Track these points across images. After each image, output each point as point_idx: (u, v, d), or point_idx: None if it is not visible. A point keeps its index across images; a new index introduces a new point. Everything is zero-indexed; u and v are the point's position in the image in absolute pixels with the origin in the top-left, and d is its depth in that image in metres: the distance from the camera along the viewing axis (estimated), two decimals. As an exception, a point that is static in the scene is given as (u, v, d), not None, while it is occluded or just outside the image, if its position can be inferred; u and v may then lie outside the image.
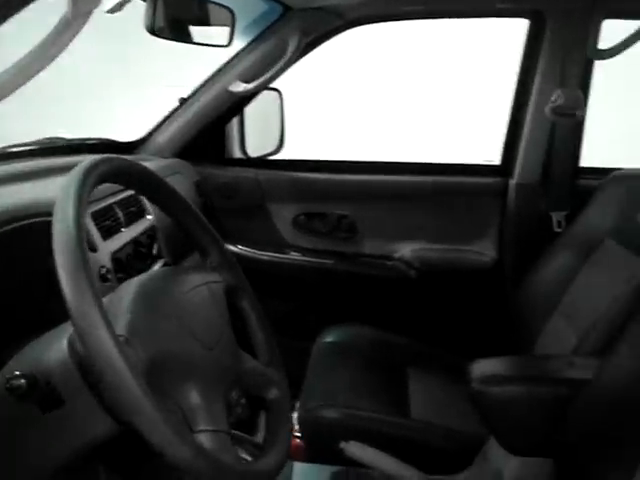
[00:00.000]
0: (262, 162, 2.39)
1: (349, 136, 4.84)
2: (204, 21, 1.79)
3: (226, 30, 1.81)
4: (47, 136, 1.95)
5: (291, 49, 1.97)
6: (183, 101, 2.22)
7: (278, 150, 2.38)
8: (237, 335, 1.11)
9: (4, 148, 1.79)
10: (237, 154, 2.40)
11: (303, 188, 2.34)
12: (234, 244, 2.31)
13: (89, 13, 0.76)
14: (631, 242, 1.78)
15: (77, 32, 0.77)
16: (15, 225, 1.15)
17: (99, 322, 0.79)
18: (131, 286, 0.98)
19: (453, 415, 1.78)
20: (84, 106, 4.50)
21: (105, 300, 0.91)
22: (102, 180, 0.98)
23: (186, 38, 1.75)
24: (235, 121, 2.35)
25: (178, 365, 0.93)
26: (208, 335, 1.00)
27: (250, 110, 2.32)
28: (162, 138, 2.24)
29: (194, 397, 0.92)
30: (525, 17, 2.13)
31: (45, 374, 0.89)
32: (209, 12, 1.79)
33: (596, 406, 1.28)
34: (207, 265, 1.19)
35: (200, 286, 1.07)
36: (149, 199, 1.22)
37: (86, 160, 0.95)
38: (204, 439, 0.88)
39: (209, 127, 2.25)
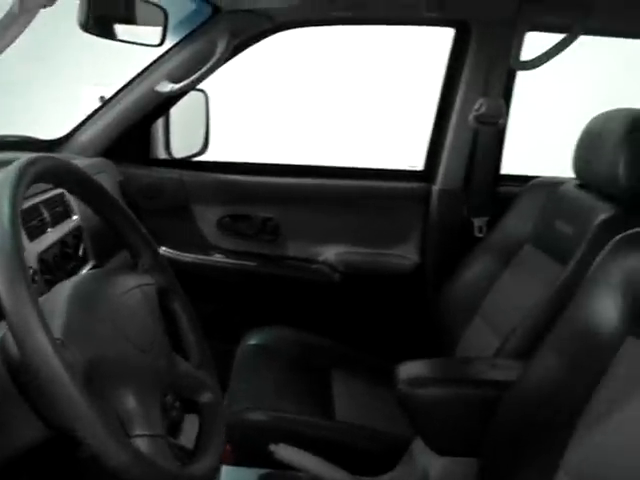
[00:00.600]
0: (187, 163, 2.37)
1: (277, 140, 4.84)
2: (137, 20, 1.76)
3: (158, 29, 1.78)
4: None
5: (220, 50, 1.95)
6: (105, 100, 2.17)
7: (203, 151, 2.36)
8: (169, 338, 1.10)
9: None
10: (162, 155, 2.36)
11: (228, 190, 2.33)
12: (158, 245, 2.27)
13: (36, 9, 0.74)
14: (550, 248, 1.84)
15: (24, 27, 0.75)
16: None
17: (36, 324, 0.77)
18: (65, 289, 0.96)
19: (378, 417, 1.80)
20: (3, 103, 4.35)
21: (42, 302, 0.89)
22: (37, 179, 0.95)
23: (118, 36, 1.71)
24: (160, 121, 2.31)
25: (114, 369, 0.91)
26: (142, 338, 0.98)
27: (176, 111, 2.29)
28: (85, 137, 2.19)
29: (130, 401, 0.90)
30: (451, 26, 2.18)
31: None
32: (142, 11, 1.76)
33: (520, 407, 1.31)
34: (139, 267, 1.17)
35: (133, 289, 1.05)
36: (83, 200, 1.19)
37: (21, 159, 0.92)
38: (141, 444, 0.87)
39: (134, 127, 2.21)
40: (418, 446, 1.57)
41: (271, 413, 1.71)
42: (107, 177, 2.07)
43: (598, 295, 1.22)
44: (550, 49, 1.94)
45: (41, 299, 0.94)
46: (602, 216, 1.65)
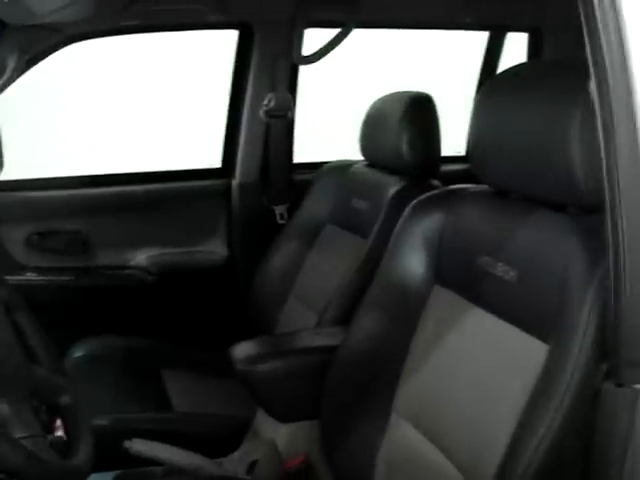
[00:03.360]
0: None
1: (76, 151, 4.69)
2: None
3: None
4: None
5: (10, 67, 1.91)
6: None
7: None
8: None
9: None
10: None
11: (32, 207, 2.27)
12: None
13: None
14: (349, 224, 2.02)
15: None
16: None
17: None
18: None
19: (214, 403, 1.89)
20: None
21: None
22: None
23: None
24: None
25: None
26: (2, 350, 1.01)
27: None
28: None
29: (3, 408, 0.93)
30: (234, 28, 2.28)
31: None
32: None
33: (347, 365, 1.45)
34: None
35: None
36: None
37: None
38: (25, 444, 0.90)
39: None
40: (260, 421, 1.68)
41: (113, 415, 1.74)
42: None
43: (403, 255, 1.40)
44: (327, 43, 2.11)
45: None
46: (392, 189, 1.84)
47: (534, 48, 2.61)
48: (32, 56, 2.01)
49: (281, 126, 2.36)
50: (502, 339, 1.15)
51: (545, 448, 0.95)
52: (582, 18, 0.82)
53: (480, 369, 1.18)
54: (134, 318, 2.29)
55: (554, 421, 0.94)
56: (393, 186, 1.85)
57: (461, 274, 1.29)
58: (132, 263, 2.37)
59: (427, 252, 1.36)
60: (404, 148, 1.82)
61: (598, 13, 0.79)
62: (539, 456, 0.95)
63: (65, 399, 1.15)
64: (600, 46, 0.80)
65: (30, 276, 2.26)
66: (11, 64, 1.90)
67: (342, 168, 2.15)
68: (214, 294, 2.41)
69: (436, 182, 1.86)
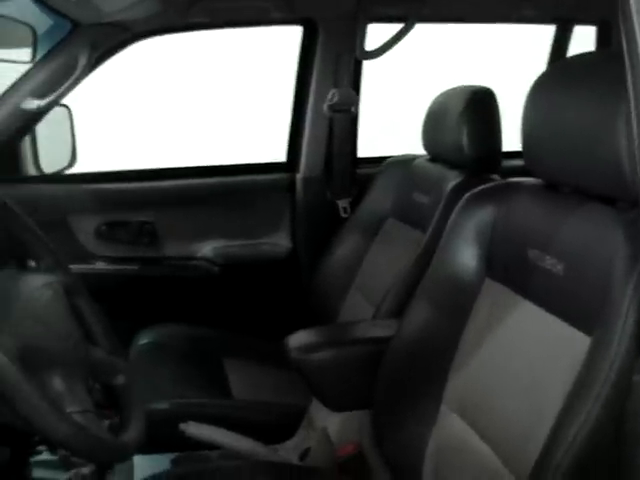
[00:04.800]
0: (60, 177, 2.37)
1: (152, 146, 4.84)
2: (6, 38, 1.77)
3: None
4: None
5: (81, 64, 1.99)
6: None
7: (72, 164, 2.37)
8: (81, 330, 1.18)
9: None
10: (33, 171, 2.36)
11: (103, 199, 2.36)
12: None
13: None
14: (409, 218, 2.03)
15: None
16: None
17: None
18: None
19: (271, 392, 1.93)
20: None
21: None
22: None
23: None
24: (27, 139, 2.31)
25: (40, 356, 0.99)
26: (60, 330, 1.07)
27: (41, 127, 2.30)
28: None
29: (58, 383, 0.99)
30: (298, 24, 2.32)
31: None
32: (10, 29, 1.77)
33: (400, 356, 1.47)
34: (41, 268, 1.25)
35: (43, 287, 1.12)
36: None
37: None
38: (76, 419, 0.95)
39: (2, 145, 2.20)
40: (315, 409, 1.71)
41: (174, 400, 1.79)
42: None
43: (456, 248, 1.40)
44: (390, 39, 2.13)
45: None
46: (451, 183, 1.84)
47: (602, 41, 2.55)
48: (102, 53, 2.10)
49: (345, 121, 2.39)
50: (548, 332, 1.14)
51: (582, 437, 0.95)
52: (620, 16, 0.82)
53: (526, 362, 1.18)
54: (199, 308, 2.35)
55: (592, 411, 0.94)
56: (452, 180, 1.86)
57: (511, 267, 1.29)
58: (198, 254, 2.44)
59: (479, 245, 1.37)
60: (464, 142, 1.82)
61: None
62: (576, 445, 0.95)
63: (120, 379, 1.20)
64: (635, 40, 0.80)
65: (100, 265, 2.35)
66: (82, 61, 1.98)
67: (405, 162, 2.17)
68: (277, 286, 2.46)
69: (495, 177, 1.85)
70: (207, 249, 2.44)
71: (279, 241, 2.49)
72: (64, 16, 1.91)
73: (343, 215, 2.42)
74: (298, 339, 1.66)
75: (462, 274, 1.38)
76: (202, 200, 2.44)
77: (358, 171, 2.48)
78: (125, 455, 1.06)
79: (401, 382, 1.46)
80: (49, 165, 2.37)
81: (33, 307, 1.05)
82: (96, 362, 1.17)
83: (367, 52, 2.14)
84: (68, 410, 0.96)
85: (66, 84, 2.02)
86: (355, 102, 2.37)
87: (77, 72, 2.01)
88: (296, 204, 2.46)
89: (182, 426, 1.52)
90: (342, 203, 2.44)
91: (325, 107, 2.34)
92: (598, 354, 0.98)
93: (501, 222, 1.33)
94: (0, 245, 1.36)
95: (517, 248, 1.27)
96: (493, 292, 1.33)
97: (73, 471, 1.55)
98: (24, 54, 1.84)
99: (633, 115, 0.84)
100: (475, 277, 1.37)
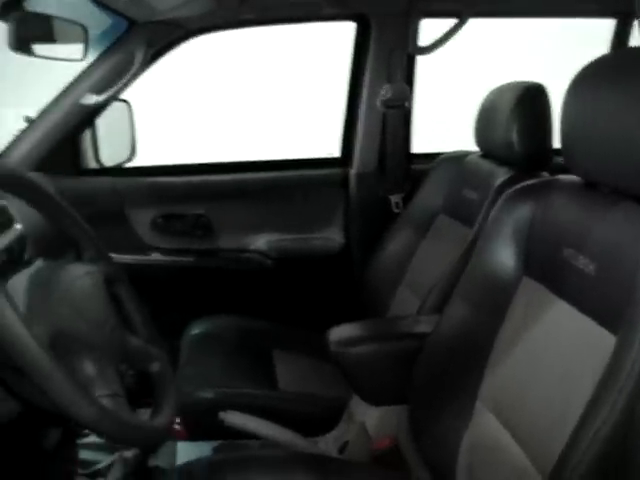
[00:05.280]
0: (118, 170, 2.45)
1: (208, 140, 4.94)
2: (59, 37, 1.84)
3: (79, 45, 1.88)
4: None
5: (138, 61, 2.06)
6: (33, 118, 2.24)
7: (131, 158, 2.44)
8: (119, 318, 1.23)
9: None
10: (93, 164, 2.44)
11: (159, 192, 2.42)
12: None
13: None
14: (459, 214, 2.02)
15: None
16: None
17: (4, 303, 0.89)
18: (22, 278, 1.08)
19: (317, 384, 1.95)
20: None
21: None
22: None
23: (43, 54, 1.80)
24: (88, 133, 2.40)
25: (72, 342, 1.04)
26: (96, 317, 1.11)
27: (102, 122, 2.38)
28: (17, 154, 2.26)
29: (89, 368, 1.03)
30: (351, 20, 2.33)
31: None
32: (63, 28, 1.84)
33: (437, 353, 1.47)
34: (84, 259, 1.30)
35: (83, 276, 1.17)
36: (28, 203, 1.30)
37: None
38: (104, 402, 0.99)
39: (63, 140, 2.28)
40: (355, 403, 1.73)
41: (219, 389, 1.84)
42: None
43: (495, 244, 1.39)
44: (444, 34, 2.12)
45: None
46: (500, 179, 1.83)
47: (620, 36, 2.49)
48: (157, 50, 2.15)
49: (398, 117, 2.38)
50: (579, 332, 1.13)
51: (604, 435, 0.94)
52: None
53: (557, 361, 1.17)
54: (251, 300, 2.40)
55: (611, 416, 0.93)
56: (500, 177, 1.84)
57: (547, 266, 1.27)
58: (252, 247, 2.48)
59: (517, 243, 1.35)
60: (514, 138, 1.80)
61: None
62: (597, 442, 0.95)
63: (155, 366, 1.24)
64: None
65: (155, 256, 2.41)
66: (138, 58, 2.05)
67: (457, 159, 2.15)
68: (329, 280, 2.48)
69: (545, 174, 1.82)
70: (261, 242, 2.48)
71: (332, 236, 2.51)
72: (120, 15, 1.98)
73: (395, 210, 2.42)
74: (338, 333, 1.67)
75: (500, 272, 1.37)
76: (257, 194, 2.48)
77: (412, 167, 2.47)
78: (153, 439, 1.10)
79: (438, 377, 1.46)
80: (109, 159, 2.44)
81: (71, 295, 1.09)
82: (132, 349, 1.21)
83: (420, 47, 2.13)
84: (97, 394, 1.00)
85: (123, 80, 2.09)
86: (408, 97, 2.36)
87: (133, 68, 2.08)
88: (349, 199, 2.47)
89: (222, 414, 1.55)
90: (394, 198, 2.44)
91: (378, 102, 2.34)
92: (622, 354, 0.97)
93: (539, 220, 1.32)
94: (53, 238, 1.42)
95: (553, 246, 1.25)
96: (530, 290, 1.32)
97: (117, 454, 1.62)
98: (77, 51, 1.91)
99: None
100: (513, 275, 1.36)
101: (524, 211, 1.35)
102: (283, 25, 2.32)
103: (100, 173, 2.41)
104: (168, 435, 1.15)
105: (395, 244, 2.21)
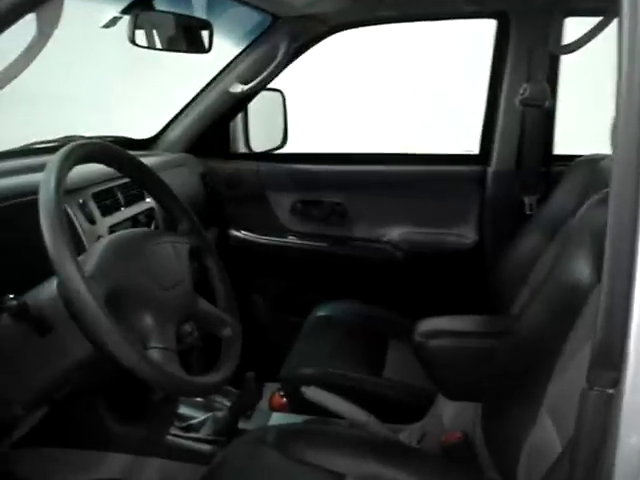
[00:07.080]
0: (263, 155, 2.61)
1: (347, 131, 5.08)
2: (184, 30, 1.99)
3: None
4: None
5: (281, 54, 2.20)
6: (187, 102, 2.46)
7: (282, 146, 2.60)
8: (202, 287, 1.36)
9: (29, 145, 2.05)
10: (241, 149, 2.63)
11: (300, 178, 2.56)
12: (238, 230, 2.56)
13: (50, 34, 1.00)
14: None
15: (43, 47, 1.02)
16: (22, 200, 1.40)
17: (68, 261, 1.04)
18: (107, 238, 1.25)
19: (421, 375, 1.97)
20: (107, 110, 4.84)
21: (88, 249, 1.17)
22: (84, 159, 1.24)
23: (167, 47, 1.95)
24: (239, 119, 2.58)
25: (135, 297, 1.17)
26: (166, 279, 1.25)
27: (254, 110, 2.55)
28: (172, 135, 2.49)
29: (148, 321, 1.16)
30: (491, 18, 2.31)
31: (37, 306, 1.13)
32: (187, 22, 1.99)
33: (510, 353, 1.47)
34: (178, 231, 1.45)
35: (165, 243, 1.32)
36: (127, 176, 1.47)
37: (65, 147, 1.20)
38: (154, 353, 1.12)
39: (214, 124, 2.48)
40: (439, 396, 1.75)
41: (320, 368, 1.93)
42: (187, 170, 2.36)
43: (574, 249, 1.37)
44: (587, 32, 2.05)
45: (91, 247, 1.23)
46: None
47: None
48: (300, 45, 2.28)
49: (537, 116, 2.33)
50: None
51: None
52: None
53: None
54: (378, 289, 2.47)
55: None
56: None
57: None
58: (384, 238, 2.54)
59: (593, 250, 1.32)
60: None
61: None
62: None
63: (227, 332, 1.37)
64: None
65: (291, 239, 2.55)
66: (282, 51, 2.18)
67: (593, 162, 2.08)
68: (458, 276, 2.48)
69: None
70: (393, 234, 2.53)
71: (465, 232, 2.51)
72: (264, 11, 2.12)
73: (528, 212, 2.38)
74: (425, 324, 1.71)
75: (575, 278, 1.35)
76: (393, 186, 2.53)
77: (551, 168, 2.41)
78: (197, 393, 1.21)
79: (509, 379, 1.46)
80: (259, 145, 2.61)
81: (143, 257, 1.24)
82: (204, 313, 1.34)
83: (562, 46, 2.08)
84: (152, 345, 1.13)
85: (268, 71, 2.24)
86: (548, 97, 2.30)
87: (278, 61, 2.21)
88: (485, 197, 2.46)
89: (303, 389, 1.64)
90: (528, 200, 2.39)
91: (517, 101, 2.31)
92: None
93: None
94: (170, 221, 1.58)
95: None
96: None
97: (211, 413, 1.77)
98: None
99: None
100: (587, 282, 1.32)
101: (601, 219, 1.31)
102: (423, 22, 2.35)
103: (247, 157, 2.58)
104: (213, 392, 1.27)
105: (524, 246, 2.18)
